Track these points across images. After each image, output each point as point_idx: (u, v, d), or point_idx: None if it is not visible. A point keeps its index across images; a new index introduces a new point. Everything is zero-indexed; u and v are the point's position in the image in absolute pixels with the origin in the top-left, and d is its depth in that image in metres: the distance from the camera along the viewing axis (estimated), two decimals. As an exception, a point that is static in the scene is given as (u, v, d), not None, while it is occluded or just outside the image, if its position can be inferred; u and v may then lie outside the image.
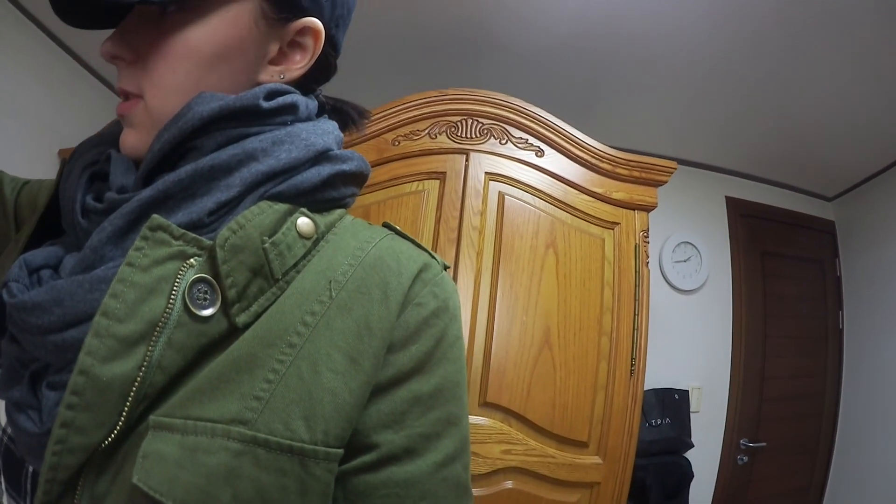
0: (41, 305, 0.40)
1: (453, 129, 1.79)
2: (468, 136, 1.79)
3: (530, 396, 1.66)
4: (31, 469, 0.46)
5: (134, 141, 0.48)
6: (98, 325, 0.39)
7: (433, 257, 0.53)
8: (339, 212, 0.53)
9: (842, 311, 2.99)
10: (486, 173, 1.75)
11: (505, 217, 1.74)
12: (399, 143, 1.78)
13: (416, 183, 1.74)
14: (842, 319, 2.98)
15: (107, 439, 0.39)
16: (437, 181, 1.75)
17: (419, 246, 0.53)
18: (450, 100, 1.81)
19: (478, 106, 1.81)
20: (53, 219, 0.52)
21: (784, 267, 2.99)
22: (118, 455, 0.40)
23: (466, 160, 1.76)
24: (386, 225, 0.55)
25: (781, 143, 2.73)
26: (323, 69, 0.57)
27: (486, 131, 1.80)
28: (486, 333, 1.67)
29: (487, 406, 1.64)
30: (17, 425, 0.41)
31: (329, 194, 0.51)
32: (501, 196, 1.75)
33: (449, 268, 0.55)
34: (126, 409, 0.39)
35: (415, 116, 1.79)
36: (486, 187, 1.75)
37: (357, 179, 0.55)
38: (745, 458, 2.72)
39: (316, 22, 0.51)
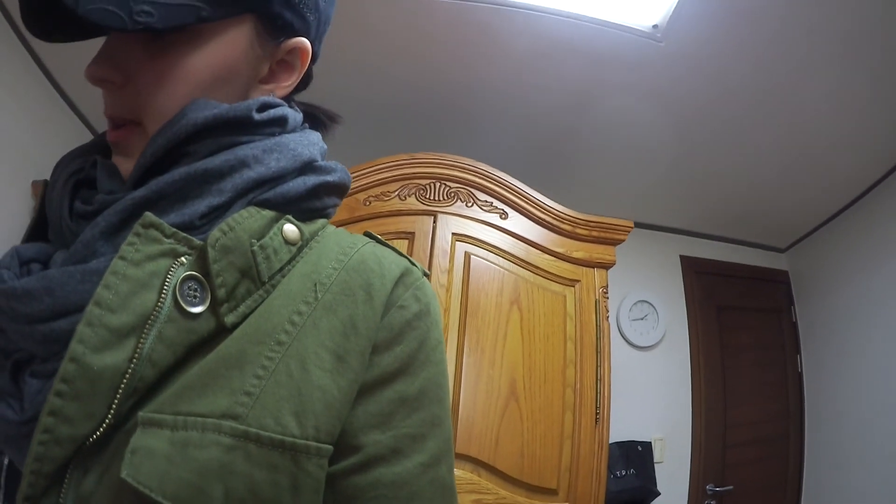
0: (31, 293, 0.40)
1: (422, 192, 1.90)
2: (436, 198, 1.89)
3: (499, 446, 1.71)
4: (6, 461, 0.45)
5: (132, 167, 0.48)
6: (91, 314, 0.39)
7: (413, 264, 0.54)
8: (321, 221, 0.54)
9: (800, 356, 3.09)
10: (453, 234, 1.85)
11: (471, 275, 1.82)
12: (370, 203, 1.87)
13: (386, 243, 1.82)
14: (801, 364, 3.08)
15: (95, 433, 0.39)
16: (406, 241, 1.84)
17: (399, 253, 0.54)
18: (419, 163, 1.91)
19: (446, 170, 1.92)
20: (43, 233, 0.52)
21: (741, 319, 3.11)
22: (106, 452, 0.39)
23: (434, 221, 1.86)
24: (367, 234, 0.56)
25: (734, 202, 2.90)
26: (304, 81, 0.59)
27: (453, 194, 1.91)
28: (453, 386, 1.73)
29: (457, 457, 1.68)
30: None
31: (313, 204, 0.52)
32: (467, 256, 1.84)
33: (429, 275, 0.56)
34: (115, 402, 0.39)
35: (386, 178, 1.89)
36: (452, 247, 1.84)
37: (339, 190, 0.56)
38: (713, 503, 2.78)
39: (305, 42, 0.53)
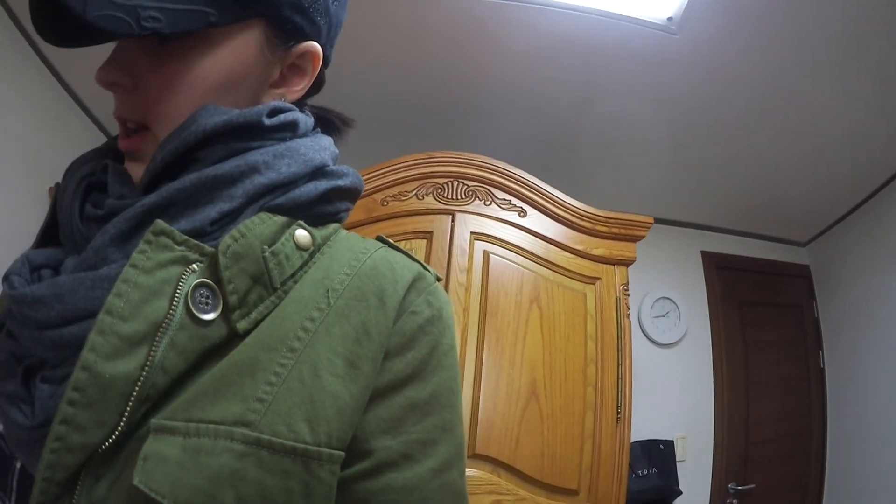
0: (42, 299, 0.40)
1: (440, 191, 1.89)
2: (454, 197, 1.88)
3: (519, 447, 1.70)
4: (18, 466, 0.46)
5: (143, 173, 0.48)
6: (102, 322, 0.39)
7: (426, 269, 0.54)
8: (333, 226, 0.54)
9: (822, 352, 3.05)
10: (472, 233, 1.84)
11: (490, 275, 1.81)
12: (388, 203, 1.86)
13: (403, 242, 1.82)
14: (822, 359, 3.04)
15: (107, 440, 0.39)
16: (425, 240, 1.83)
17: (412, 257, 0.54)
18: (437, 162, 1.91)
19: (463, 168, 1.91)
20: (54, 236, 0.52)
21: (762, 315, 3.08)
22: (118, 459, 0.39)
23: (452, 220, 1.85)
24: (379, 238, 0.56)
25: (754, 195, 2.87)
26: (316, 85, 0.58)
27: (471, 193, 1.89)
28: (473, 387, 1.72)
29: (476, 458, 1.68)
30: (8, 418, 0.41)
31: (325, 209, 0.52)
32: (486, 255, 1.83)
33: (441, 280, 0.56)
34: (128, 409, 0.39)
35: (403, 178, 1.88)
36: (471, 246, 1.83)
37: (351, 195, 0.56)
38: (735, 502, 2.75)
39: (316, 46, 0.53)
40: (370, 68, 2.11)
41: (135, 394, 0.39)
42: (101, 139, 2.37)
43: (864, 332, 2.76)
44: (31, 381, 0.42)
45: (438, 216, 1.85)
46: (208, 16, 0.44)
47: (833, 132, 2.39)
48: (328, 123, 0.63)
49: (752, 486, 2.77)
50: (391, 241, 0.56)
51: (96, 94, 2.21)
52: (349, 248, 0.52)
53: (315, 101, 0.62)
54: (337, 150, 0.57)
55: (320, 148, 0.53)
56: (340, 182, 0.53)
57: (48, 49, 2.04)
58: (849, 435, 2.79)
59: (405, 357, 0.47)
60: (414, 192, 1.88)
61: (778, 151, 2.53)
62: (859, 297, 2.82)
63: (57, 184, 0.53)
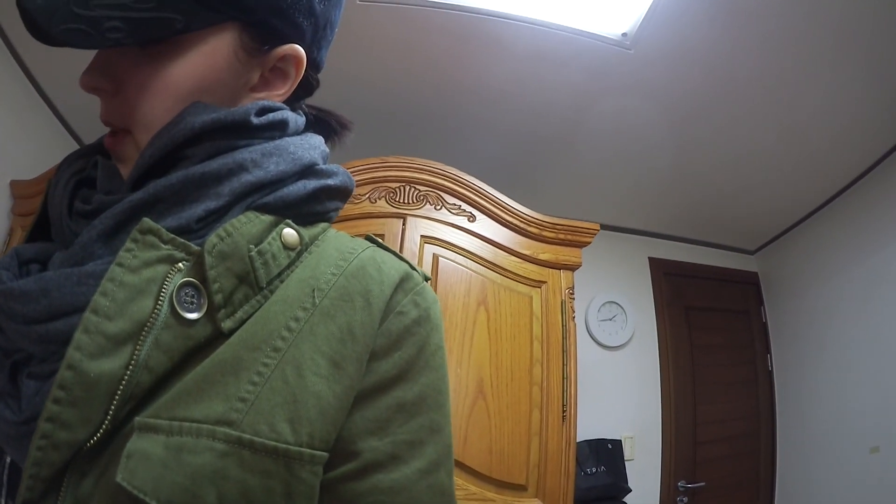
0: (28, 294, 0.40)
1: (392, 195, 1.94)
2: (406, 201, 1.94)
3: (468, 443, 1.75)
4: (8, 461, 0.46)
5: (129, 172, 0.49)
6: (87, 321, 0.39)
7: (414, 269, 0.53)
8: (322, 225, 0.53)
9: (770, 355, 3.17)
10: (422, 236, 1.90)
11: (439, 277, 1.87)
12: (342, 206, 1.90)
13: (356, 245, 1.86)
14: (770, 362, 3.16)
15: (92, 438, 0.39)
16: (376, 243, 1.87)
17: (400, 257, 0.54)
18: (390, 167, 1.96)
19: (415, 173, 1.96)
20: (46, 231, 0.52)
21: (710, 319, 3.19)
22: (103, 456, 0.40)
23: (403, 224, 1.90)
24: (368, 237, 0.56)
25: (703, 205, 2.97)
26: (305, 87, 0.58)
27: (422, 197, 1.95)
28: (422, 386, 1.76)
29: (425, 455, 1.72)
30: None
31: (314, 208, 0.52)
32: (436, 258, 1.89)
33: (430, 280, 0.56)
34: (112, 408, 0.39)
35: (357, 181, 1.92)
36: (421, 249, 1.88)
37: (341, 194, 0.55)
38: (686, 499, 2.83)
39: (297, 49, 0.52)
40: (325, 74, 2.15)
41: (119, 392, 0.39)
42: (63, 133, 2.37)
43: (811, 336, 2.88)
44: (19, 376, 0.43)
45: (390, 219, 1.90)
46: (174, 22, 0.44)
47: (782, 147, 2.49)
48: (326, 125, 0.63)
49: (703, 483, 2.86)
50: (380, 240, 0.56)
51: (61, 88, 2.19)
52: (337, 248, 0.52)
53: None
54: (328, 150, 0.57)
55: (310, 147, 0.53)
56: (330, 181, 0.53)
57: (14, 41, 2.03)
58: (797, 435, 2.90)
59: (392, 358, 0.48)
60: (367, 196, 1.92)
61: (728, 164, 2.63)
62: (806, 304, 2.94)
63: (49, 179, 0.53)
